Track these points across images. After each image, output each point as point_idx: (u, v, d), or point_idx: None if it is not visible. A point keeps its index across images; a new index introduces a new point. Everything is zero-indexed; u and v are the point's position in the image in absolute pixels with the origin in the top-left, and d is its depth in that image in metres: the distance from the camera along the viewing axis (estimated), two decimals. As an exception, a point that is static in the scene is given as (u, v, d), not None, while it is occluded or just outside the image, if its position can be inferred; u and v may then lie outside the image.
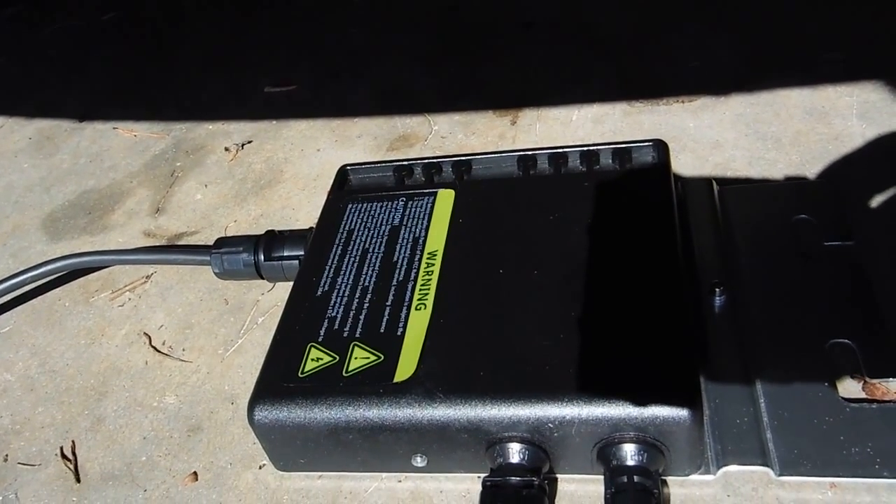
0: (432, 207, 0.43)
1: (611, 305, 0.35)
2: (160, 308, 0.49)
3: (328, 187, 0.47)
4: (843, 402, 0.34)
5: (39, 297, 0.52)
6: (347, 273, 0.40)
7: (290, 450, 0.36)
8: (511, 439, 0.33)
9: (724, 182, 0.47)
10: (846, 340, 0.36)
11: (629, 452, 0.32)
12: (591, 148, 0.44)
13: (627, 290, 0.36)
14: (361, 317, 0.38)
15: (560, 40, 0.67)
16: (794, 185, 0.47)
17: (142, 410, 0.43)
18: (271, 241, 0.46)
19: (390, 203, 0.44)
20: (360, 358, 0.36)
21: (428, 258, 0.40)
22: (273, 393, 0.35)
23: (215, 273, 0.47)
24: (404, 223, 0.42)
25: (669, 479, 0.33)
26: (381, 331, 0.37)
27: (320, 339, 0.37)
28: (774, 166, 0.48)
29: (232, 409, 0.42)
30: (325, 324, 0.38)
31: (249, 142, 0.63)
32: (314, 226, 0.45)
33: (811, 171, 0.47)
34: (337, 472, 0.37)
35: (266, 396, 0.35)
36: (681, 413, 0.31)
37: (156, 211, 0.58)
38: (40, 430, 0.43)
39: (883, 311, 0.37)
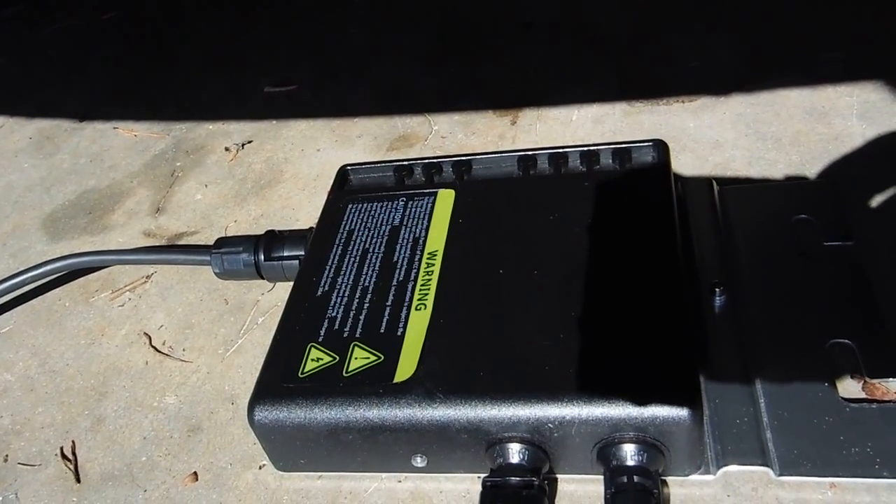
0: (432, 207, 0.43)
1: (611, 305, 0.35)
2: (160, 308, 0.49)
3: (328, 187, 0.47)
4: (843, 402, 0.34)
5: (39, 298, 0.52)
6: (347, 273, 0.40)
7: (290, 450, 0.36)
8: (511, 439, 0.33)
9: (724, 182, 0.47)
10: (846, 340, 0.36)
11: (629, 452, 0.32)
12: (591, 148, 0.44)
13: (627, 291, 0.36)
14: (361, 317, 0.38)
15: (560, 40, 0.67)
16: (794, 185, 0.47)
17: (142, 410, 0.43)
18: (271, 241, 0.46)
19: (390, 203, 0.44)
20: (360, 358, 0.36)
21: (428, 258, 0.40)
22: (273, 393, 0.35)
23: (215, 273, 0.47)
24: (404, 223, 0.42)
25: (669, 479, 0.33)
26: (381, 331, 0.37)
27: (320, 340, 0.37)
28: (774, 166, 0.48)
29: (232, 410, 0.42)
30: (326, 324, 0.38)
31: (249, 142, 0.63)
32: (314, 226, 0.45)
33: (811, 171, 0.47)
34: (337, 472, 0.37)
35: (266, 397, 0.35)
36: (681, 413, 0.31)
37: (156, 211, 0.58)
38: (40, 431, 0.43)
39: (883, 311, 0.37)
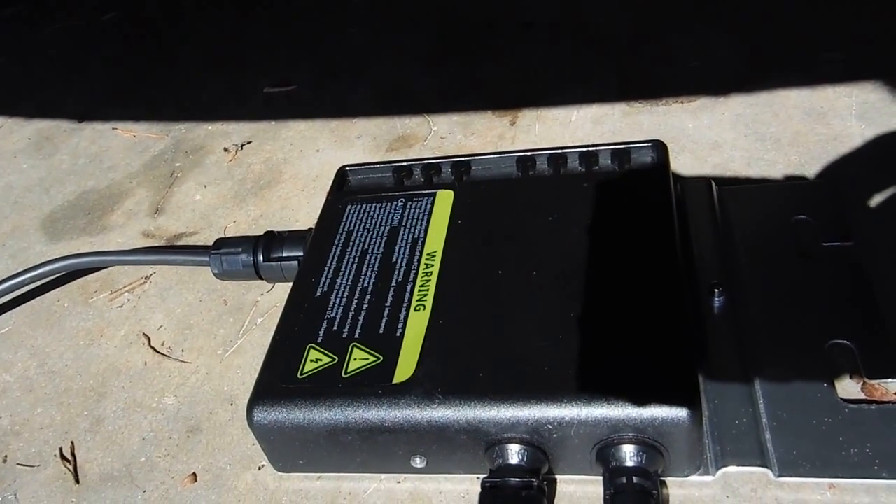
0: (431, 208, 0.43)
1: (610, 306, 0.35)
2: (159, 309, 0.49)
3: (327, 188, 0.47)
4: (842, 402, 0.34)
5: (38, 298, 0.52)
6: (346, 274, 0.40)
7: (290, 451, 0.36)
8: (510, 440, 0.33)
9: (723, 182, 0.47)
10: (845, 341, 0.36)
11: (628, 453, 0.32)
12: (590, 149, 0.44)
13: (626, 291, 0.36)
14: (360, 318, 0.38)
15: (560, 40, 0.66)
16: (794, 185, 0.47)
17: (141, 411, 0.43)
18: (270, 242, 0.46)
19: (389, 204, 0.44)
20: (359, 359, 0.36)
21: (427, 259, 0.40)
22: (272, 394, 0.35)
23: (214, 274, 0.47)
24: (403, 224, 0.42)
25: (668, 480, 0.33)
26: (381, 332, 0.37)
27: (319, 340, 0.37)
28: (773, 167, 0.48)
29: (231, 410, 0.42)
30: (325, 325, 0.38)
31: (249, 142, 0.63)
32: (313, 226, 0.45)
33: (810, 171, 0.47)
34: (336, 472, 0.37)
35: (265, 397, 0.35)
36: (680, 414, 0.31)
37: (155, 211, 0.58)
38: (39, 431, 0.43)
39: (882, 311, 0.37)
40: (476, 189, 0.44)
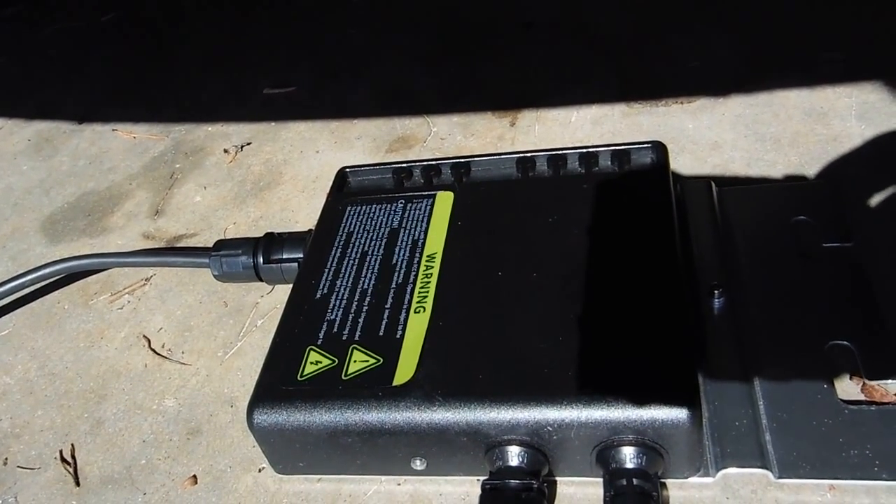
0: (431, 209, 0.43)
1: (610, 308, 0.35)
2: (159, 311, 0.49)
3: (327, 189, 0.47)
4: (842, 403, 0.34)
5: (38, 300, 0.52)
6: (346, 276, 0.40)
7: (290, 453, 0.36)
8: (510, 442, 0.33)
9: (723, 183, 0.47)
10: (845, 342, 0.36)
11: (628, 455, 0.32)
12: (590, 150, 0.44)
13: (626, 293, 0.36)
14: (360, 320, 0.38)
15: (560, 40, 0.66)
16: (793, 185, 0.47)
17: (141, 413, 0.43)
18: (270, 244, 0.46)
19: (389, 205, 0.44)
20: (359, 361, 0.36)
21: (427, 260, 0.40)
22: (272, 396, 0.35)
23: (214, 276, 0.47)
24: (403, 225, 0.42)
25: (669, 481, 0.33)
26: (381, 334, 0.37)
27: (319, 342, 0.37)
28: (773, 167, 0.48)
29: (231, 412, 0.42)
30: (325, 327, 0.38)
31: (248, 143, 0.63)
32: (313, 228, 0.45)
33: (810, 171, 0.47)
34: (336, 475, 0.37)
35: (265, 400, 0.35)
36: (680, 415, 0.31)
37: (155, 213, 0.58)
38: (39, 434, 0.43)
39: (882, 312, 0.37)
40: (476, 190, 0.44)
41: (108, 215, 0.59)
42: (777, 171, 0.48)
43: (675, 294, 0.35)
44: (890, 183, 0.45)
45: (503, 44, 0.68)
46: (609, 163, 0.43)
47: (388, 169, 0.47)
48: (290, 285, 0.41)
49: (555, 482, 0.34)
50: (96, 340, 0.48)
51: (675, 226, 0.38)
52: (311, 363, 0.36)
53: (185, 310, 0.49)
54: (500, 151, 0.47)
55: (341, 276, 0.40)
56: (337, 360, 0.36)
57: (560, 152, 0.44)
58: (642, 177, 0.42)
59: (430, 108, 0.62)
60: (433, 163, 0.46)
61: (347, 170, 0.47)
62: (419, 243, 0.41)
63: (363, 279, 0.40)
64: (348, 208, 0.45)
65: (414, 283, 0.39)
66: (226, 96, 0.70)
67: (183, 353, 0.46)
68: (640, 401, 0.31)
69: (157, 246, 0.55)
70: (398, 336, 0.36)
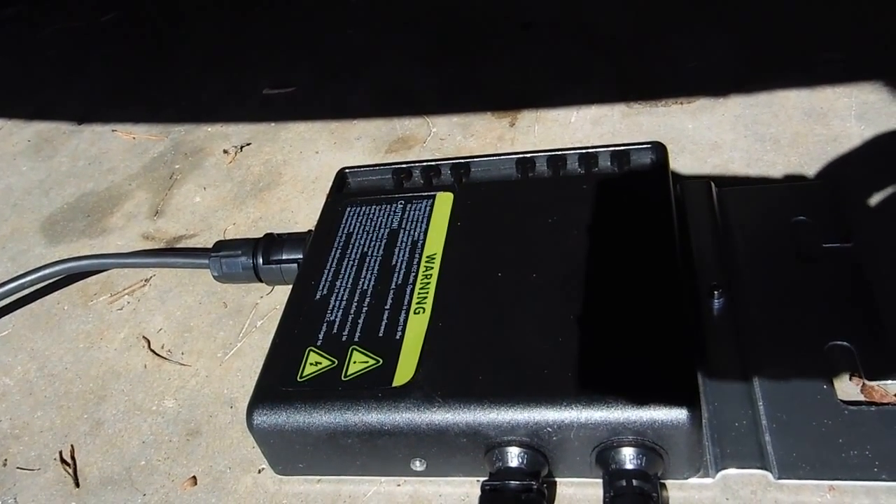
0: (431, 210, 0.43)
1: (609, 308, 0.35)
2: (159, 311, 0.49)
3: (327, 190, 0.47)
4: (842, 404, 0.34)
5: (38, 301, 0.52)
6: (346, 276, 0.40)
7: (289, 454, 0.36)
8: (510, 443, 0.33)
9: (722, 183, 0.46)
10: (845, 342, 0.36)
11: (628, 456, 0.32)
12: (590, 150, 0.44)
13: (626, 293, 0.36)
14: (360, 320, 0.38)
15: (560, 40, 0.66)
16: (793, 186, 0.47)
17: (141, 414, 0.43)
18: (270, 245, 0.46)
19: (389, 206, 0.44)
20: (358, 362, 0.36)
21: (426, 261, 0.40)
22: (272, 397, 0.35)
23: (214, 276, 0.47)
24: (403, 226, 0.42)
25: (668, 482, 0.33)
26: (380, 334, 0.37)
27: (319, 343, 0.37)
28: (773, 167, 0.48)
29: (231, 413, 0.42)
30: (324, 328, 0.38)
31: (248, 144, 0.63)
32: (313, 229, 0.45)
33: (810, 172, 0.47)
34: (336, 476, 0.37)
35: (265, 401, 0.35)
36: (679, 416, 0.31)
37: (154, 214, 0.58)
38: (39, 435, 0.43)
39: (882, 312, 0.37)
40: (475, 191, 0.44)
41: (108, 216, 0.59)
42: (777, 171, 0.48)
43: (674, 294, 0.35)
44: (890, 183, 0.45)
45: (503, 44, 0.68)
46: (609, 163, 0.43)
47: (387, 169, 0.47)
48: (290, 286, 0.41)
49: (554, 483, 0.34)
50: (96, 341, 0.48)
51: (674, 226, 0.38)
52: (311, 364, 0.36)
53: (185, 311, 0.49)
54: (499, 152, 0.47)
55: (341, 276, 0.40)
56: (336, 361, 0.36)
57: (560, 153, 0.44)
58: (642, 177, 0.42)
59: (429, 109, 0.62)
60: (433, 163, 0.46)
61: (347, 170, 0.47)
62: (419, 244, 0.41)
63: (363, 280, 0.40)
64: (348, 209, 0.45)
65: (413, 283, 0.39)
66: (225, 96, 0.70)
67: (182, 353, 0.46)
68: (640, 401, 0.31)
69: (156, 247, 0.55)
70: (398, 337, 0.36)
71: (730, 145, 0.51)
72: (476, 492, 0.33)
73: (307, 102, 0.67)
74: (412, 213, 0.43)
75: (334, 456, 0.35)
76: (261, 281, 0.47)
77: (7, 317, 0.51)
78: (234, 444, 0.40)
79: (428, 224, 0.42)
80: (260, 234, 0.47)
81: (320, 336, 0.37)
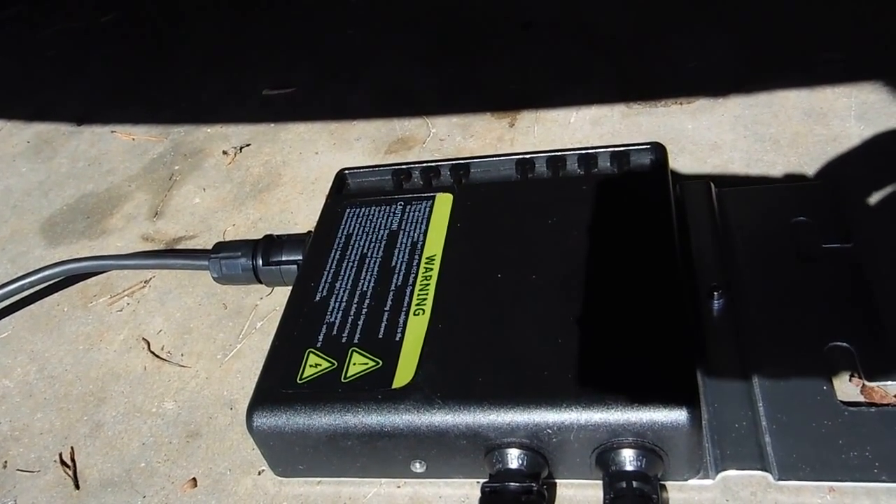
0: (430, 211, 0.43)
1: (609, 309, 0.35)
2: (159, 313, 0.49)
3: (326, 191, 0.47)
4: (842, 405, 0.34)
5: (38, 303, 0.52)
6: (346, 278, 0.40)
7: (289, 456, 0.36)
8: (510, 445, 0.32)
9: (722, 184, 0.46)
10: (845, 343, 0.36)
11: (628, 457, 0.32)
12: (589, 151, 0.44)
13: (626, 294, 0.36)
14: (360, 322, 0.38)
15: (560, 40, 0.66)
16: (793, 186, 0.47)
17: (140, 416, 0.43)
18: (269, 246, 0.46)
19: (388, 207, 0.44)
20: (358, 364, 0.35)
21: (426, 262, 0.40)
22: (272, 399, 0.35)
23: (214, 278, 0.47)
24: (402, 227, 0.42)
25: (668, 483, 0.33)
26: (380, 336, 0.37)
27: (319, 345, 0.37)
28: (773, 168, 0.48)
29: (231, 415, 0.42)
30: (324, 329, 0.38)
31: (247, 145, 0.63)
32: (312, 230, 0.45)
33: (810, 172, 0.47)
34: (336, 477, 0.37)
35: (265, 402, 0.35)
36: (679, 417, 0.31)
37: (154, 215, 0.58)
38: (39, 437, 0.43)
39: (882, 312, 0.37)
40: (475, 192, 0.44)
41: (108, 217, 0.59)
42: (776, 171, 0.48)
43: (674, 295, 0.35)
44: (890, 183, 0.45)
45: (503, 44, 0.68)
46: (608, 164, 0.43)
47: (387, 170, 0.47)
48: (290, 287, 0.41)
49: (554, 484, 0.34)
50: (95, 343, 0.48)
51: (674, 227, 0.38)
52: (311, 366, 0.36)
53: (185, 312, 0.49)
54: (499, 153, 0.47)
55: (340, 278, 0.40)
56: (336, 363, 0.36)
57: (559, 153, 0.44)
58: (641, 178, 0.42)
59: (429, 109, 0.62)
60: (432, 164, 0.46)
61: (346, 171, 0.47)
62: (418, 245, 0.41)
63: (362, 281, 0.40)
64: (347, 210, 0.44)
65: (413, 285, 0.39)
66: (225, 97, 0.70)
67: (182, 355, 0.46)
68: (640, 403, 0.31)
69: (156, 248, 0.55)
70: (397, 338, 0.36)
71: (729, 145, 0.51)
72: (476, 493, 0.33)
73: (307, 103, 0.67)
74: (412, 214, 0.43)
75: (334, 457, 0.35)
76: (260, 282, 0.47)
77: (7, 318, 0.51)
78: (234, 445, 0.40)
79: (427, 225, 0.42)
80: (259, 236, 0.47)
81: (320, 337, 0.37)
